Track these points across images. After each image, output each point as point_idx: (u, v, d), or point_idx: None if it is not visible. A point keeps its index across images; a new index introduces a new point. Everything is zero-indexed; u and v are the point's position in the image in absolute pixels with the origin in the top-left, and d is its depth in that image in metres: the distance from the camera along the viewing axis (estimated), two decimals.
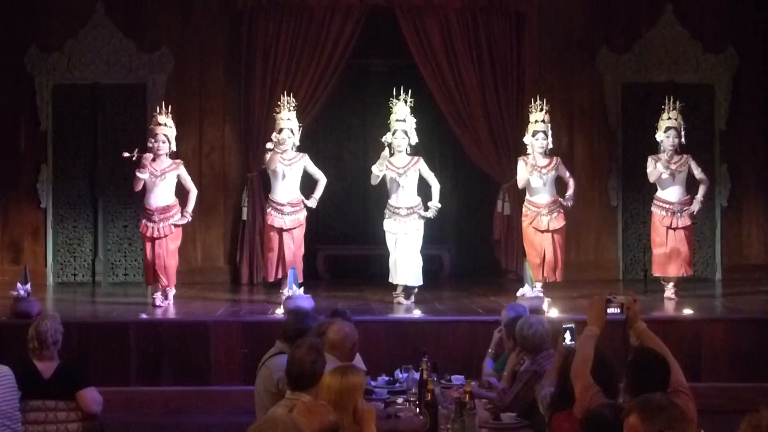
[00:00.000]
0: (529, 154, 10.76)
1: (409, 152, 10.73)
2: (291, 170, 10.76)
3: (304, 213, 10.85)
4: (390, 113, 10.82)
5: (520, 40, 13.10)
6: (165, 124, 10.63)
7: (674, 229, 10.89)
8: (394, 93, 10.84)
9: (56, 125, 13.11)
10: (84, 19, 13.12)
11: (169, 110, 10.83)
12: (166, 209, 10.54)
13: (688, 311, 9.91)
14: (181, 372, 9.27)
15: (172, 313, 10.29)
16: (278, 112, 10.91)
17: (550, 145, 10.79)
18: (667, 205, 10.90)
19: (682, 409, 3.76)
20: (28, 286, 9.65)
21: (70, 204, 13.19)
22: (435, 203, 10.64)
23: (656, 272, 11.21)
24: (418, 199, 10.68)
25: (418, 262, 10.64)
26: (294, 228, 10.76)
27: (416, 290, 10.76)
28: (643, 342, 4.81)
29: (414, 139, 10.72)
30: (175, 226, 10.59)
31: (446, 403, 5.76)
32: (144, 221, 10.61)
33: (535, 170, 10.62)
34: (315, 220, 11.87)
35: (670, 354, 4.69)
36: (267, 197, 11.22)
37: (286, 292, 10.06)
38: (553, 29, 13.42)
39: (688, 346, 9.12)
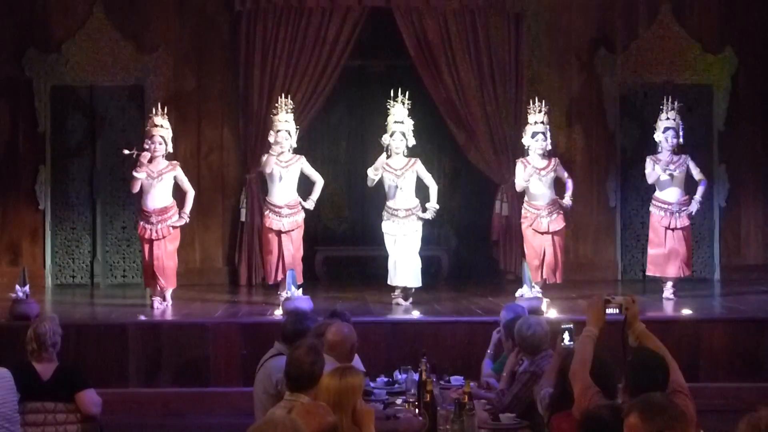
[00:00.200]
0: (528, 155, 10.77)
1: (406, 154, 10.73)
2: (288, 172, 10.76)
3: (302, 215, 10.85)
4: (388, 114, 10.83)
5: (518, 40, 13.10)
6: (161, 126, 10.64)
7: (673, 229, 10.90)
8: (392, 94, 10.85)
9: (54, 127, 13.11)
10: (82, 21, 13.11)
11: (165, 111, 10.84)
12: (164, 210, 10.55)
13: (686, 311, 9.92)
14: (179, 373, 9.27)
15: (170, 315, 10.28)
16: (275, 114, 10.90)
17: (549, 147, 10.79)
18: (666, 206, 10.91)
19: (682, 410, 3.77)
20: (27, 288, 9.66)
21: (68, 205, 13.18)
22: (433, 204, 10.64)
23: (651, 272, 11.22)
24: (417, 201, 10.69)
25: (417, 264, 10.65)
26: (292, 230, 10.76)
27: (413, 291, 10.76)
28: (642, 342, 4.81)
29: (411, 141, 10.73)
30: (173, 227, 10.59)
31: (445, 404, 5.75)
32: (142, 223, 10.61)
33: (534, 173, 10.62)
34: (313, 221, 11.87)
35: (669, 354, 4.69)
36: (264, 200, 11.22)
37: (285, 293, 10.06)
38: (551, 30, 13.42)
39: (687, 347, 9.13)
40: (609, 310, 4.87)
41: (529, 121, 10.82)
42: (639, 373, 4.45)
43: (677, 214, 10.89)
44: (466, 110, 12.93)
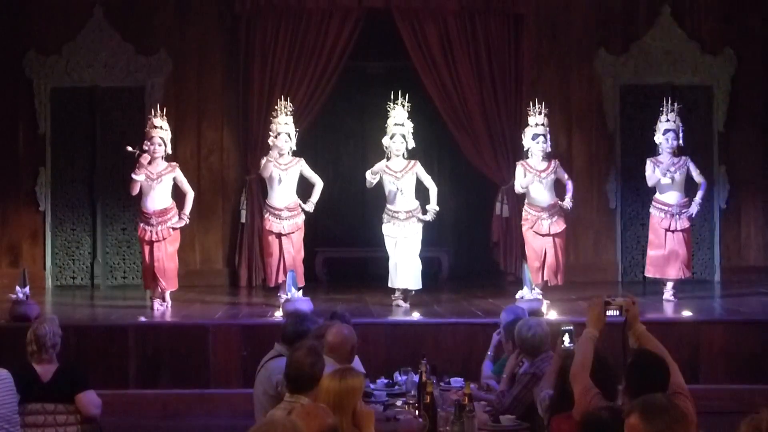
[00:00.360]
0: (527, 157, 10.77)
1: (406, 156, 10.74)
2: (287, 175, 10.75)
3: (302, 217, 10.84)
4: (388, 116, 10.83)
5: (517, 41, 13.10)
6: (161, 127, 10.63)
7: (673, 231, 10.90)
8: (392, 96, 10.85)
9: (55, 128, 13.11)
10: (82, 22, 13.12)
11: (164, 113, 10.85)
12: (164, 212, 10.54)
13: (686, 313, 9.92)
14: (180, 375, 9.27)
15: (170, 316, 10.28)
16: (275, 117, 10.90)
17: (549, 149, 10.79)
18: (666, 208, 10.91)
19: (683, 411, 3.77)
20: (27, 289, 9.66)
21: (68, 207, 13.19)
22: (433, 206, 10.64)
23: (651, 273, 11.22)
24: (417, 203, 10.69)
25: (417, 266, 10.65)
26: (292, 232, 10.75)
27: (414, 293, 10.76)
28: (642, 344, 4.81)
29: (411, 144, 10.74)
30: (173, 228, 10.59)
31: (445, 406, 5.75)
32: (142, 225, 10.60)
33: (535, 176, 10.62)
34: (313, 222, 11.86)
35: (669, 356, 4.69)
36: (264, 203, 11.21)
37: (285, 294, 10.06)
38: (550, 31, 13.43)
39: (687, 348, 9.14)
40: (609, 312, 4.88)
41: (530, 123, 10.81)
42: (639, 375, 4.45)
43: (677, 216, 10.88)
44: (465, 112, 12.93)
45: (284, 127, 10.77)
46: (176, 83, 13.18)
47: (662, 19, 13.38)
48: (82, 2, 13.13)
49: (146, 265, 10.65)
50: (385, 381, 7.00)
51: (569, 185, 10.75)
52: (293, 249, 10.75)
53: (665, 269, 10.97)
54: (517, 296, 10.12)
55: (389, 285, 10.72)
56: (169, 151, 10.74)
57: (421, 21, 12.88)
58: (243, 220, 12.90)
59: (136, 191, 10.58)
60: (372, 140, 12.42)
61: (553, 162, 10.79)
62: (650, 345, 4.79)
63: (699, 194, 10.94)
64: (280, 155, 10.71)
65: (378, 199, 11.35)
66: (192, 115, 13.22)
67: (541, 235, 10.68)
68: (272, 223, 10.77)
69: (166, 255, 10.55)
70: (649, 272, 11.22)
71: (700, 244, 13.28)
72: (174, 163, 10.82)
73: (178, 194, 10.75)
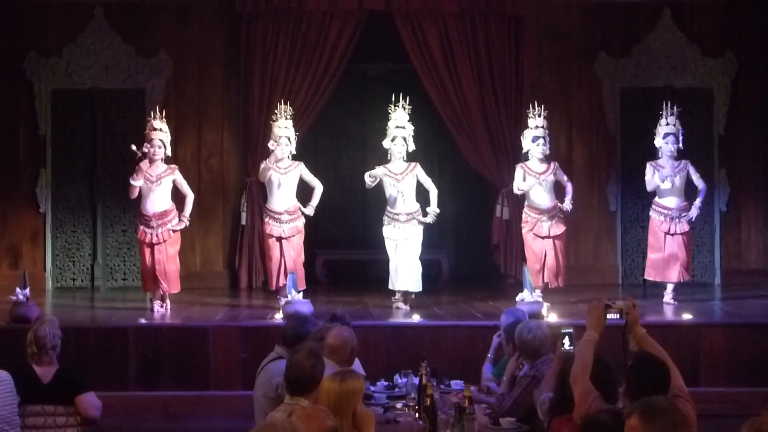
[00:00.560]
0: (527, 160, 10.78)
1: (406, 159, 10.74)
2: (287, 179, 10.74)
3: (302, 220, 10.83)
4: (389, 118, 10.83)
5: (518, 44, 13.10)
6: (160, 129, 10.62)
7: (672, 234, 10.90)
8: (393, 99, 10.85)
9: (55, 130, 13.12)
10: (83, 24, 13.12)
11: (165, 115, 10.85)
12: (164, 214, 10.54)
13: (687, 316, 9.91)
14: (180, 377, 9.26)
15: (171, 318, 10.28)
16: (275, 121, 10.90)
17: (548, 151, 10.80)
18: (666, 211, 10.91)
19: (683, 414, 3.77)
20: (27, 290, 9.65)
21: (69, 208, 13.19)
22: (434, 208, 10.65)
23: (651, 276, 11.23)
24: (417, 205, 10.69)
25: (418, 268, 10.65)
26: (293, 236, 10.74)
27: (414, 296, 10.76)
28: (643, 347, 4.81)
29: (412, 146, 10.74)
30: (173, 231, 10.59)
31: (445, 408, 5.76)
32: (142, 227, 10.59)
33: (535, 179, 10.62)
34: (314, 224, 11.86)
35: (669, 359, 4.69)
36: (264, 206, 11.21)
37: (285, 297, 10.06)
38: (551, 33, 13.43)
39: (687, 351, 9.12)
40: (610, 315, 4.88)
41: (529, 125, 10.82)
42: (640, 378, 4.45)
43: (677, 219, 10.89)
44: (466, 114, 12.93)
45: (284, 131, 10.77)
46: (177, 85, 13.19)
47: (663, 22, 13.38)
48: (82, 4, 13.13)
49: (146, 268, 10.64)
50: (386, 383, 7.01)
51: (569, 187, 10.76)
52: (294, 252, 10.74)
53: (665, 272, 10.97)
54: (518, 299, 10.11)
55: (389, 287, 10.72)
56: (169, 153, 10.74)
57: (422, 23, 12.88)
58: (243, 222, 12.90)
59: (134, 195, 10.59)
60: (372, 142, 12.42)
61: (552, 164, 10.79)
62: (650, 348, 4.79)
63: (699, 198, 10.94)
64: (280, 159, 10.71)
65: (378, 201, 11.35)
66: (192, 116, 13.23)
67: (541, 238, 10.69)
68: (272, 227, 10.76)
69: (167, 257, 10.54)
70: (650, 275, 11.23)
71: (700, 247, 13.29)
72: (174, 166, 10.82)
73: (178, 196, 10.75)
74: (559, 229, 10.72)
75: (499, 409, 6.14)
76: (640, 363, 4.58)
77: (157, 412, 9.03)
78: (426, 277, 11.05)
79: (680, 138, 10.94)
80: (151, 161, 10.54)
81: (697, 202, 10.92)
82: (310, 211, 10.83)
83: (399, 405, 6.28)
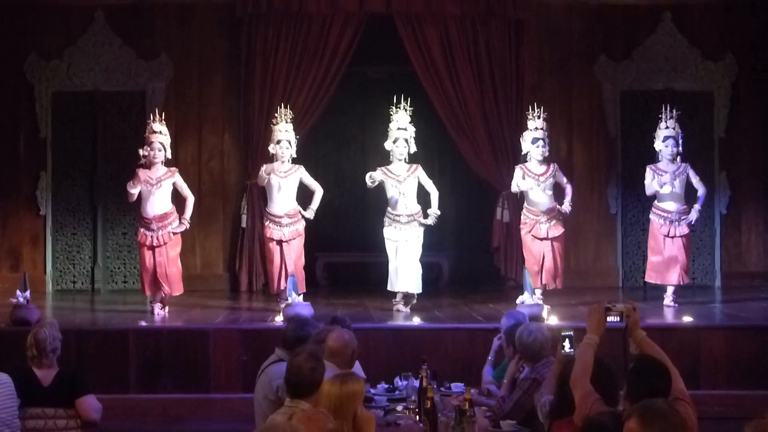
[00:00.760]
0: (526, 161, 10.78)
1: (407, 160, 10.75)
2: (287, 182, 10.74)
3: (303, 223, 10.82)
4: (389, 120, 10.84)
5: (519, 47, 13.10)
6: (160, 132, 10.62)
7: (672, 237, 10.91)
8: (394, 101, 10.86)
9: (56, 132, 13.12)
10: (83, 27, 13.13)
11: (165, 117, 10.86)
12: (164, 217, 10.54)
13: (687, 319, 9.91)
14: (180, 379, 9.25)
15: (171, 321, 10.27)
16: (275, 124, 10.90)
17: (547, 153, 10.80)
18: (666, 214, 10.92)
19: (683, 417, 3.76)
20: (27, 293, 9.65)
21: (69, 211, 13.19)
22: (434, 210, 10.66)
23: (652, 279, 11.23)
24: (418, 207, 10.69)
25: (418, 270, 10.66)
26: (293, 239, 10.74)
27: (415, 298, 10.76)
28: (643, 350, 4.81)
29: (413, 148, 10.75)
30: (174, 233, 10.59)
31: (446, 411, 5.75)
32: (142, 230, 10.58)
33: (534, 180, 10.62)
34: (314, 227, 11.85)
35: (670, 362, 4.69)
36: (264, 210, 11.21)
37: (286, 300, 10.06)
38: (551, 36, 13.44)
39: (688, 354, 9.11)
40: (610, 318, 4.87)
41: (529, 127, 10.83)
42: (641, 380, 4.45)
43: (677, 222, 10.89)
44: (466, 117, 12.94)
45: (284, 134, 10.77)
46: (177, 88, 13.19)
47: (663, 25, 13.39)
48: (83, 7, 13.14)
49: (145, 270, 10.62)
50: (386, 386, 7.01)
51: (568, 189, 10.76)
52: (294, 255, 10.74)
53: (665, 275, 10.97)
54: (518, 301, 10.12)
55: (388, 288, 10.73)
56: (169, 155, 10.74)
57: (423, 26, 12.88)
58: (243, 224, 12.90)
59: (133, 199, 10.60)
60: (372, 145, 12.43)
61: (552, 166, 10.80)
62: (651, 351, 4.79)
63: (698, 201, 10.95)
64: (281, 162, 10.72)
65: (378, 204, 11.36)
66: (193, 119, 13.24)
67: (539, 239, 10.69)
68: (273, 231, 10.76)
69: (168, 259, 10.54)
70: (651, 278, 11.23)
71: (700, 250, 13.29)
72: (174, 168, 10.82)
73: (178, 199, 10.75)
74: (557, 230, 10.72)
75: (500, 411, 6.13)
76: (641, 365, 4.58)
77: (158, 414, 9.02)
78: (426, 280, 11.05)
79: (680, 141, 10.94)
80: (152, 164, 10.54)
81: (697, 205, 10.92)
82: (310, 214, 10.82)
83: (399, 408, 6.28)
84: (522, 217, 10.91)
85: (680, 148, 10.95)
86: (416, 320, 9.98)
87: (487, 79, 12.96)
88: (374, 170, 10.77)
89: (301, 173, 10.83)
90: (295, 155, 10.89)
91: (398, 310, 10.58)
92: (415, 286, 10.64)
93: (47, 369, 6.35)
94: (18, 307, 9.53)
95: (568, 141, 13.41)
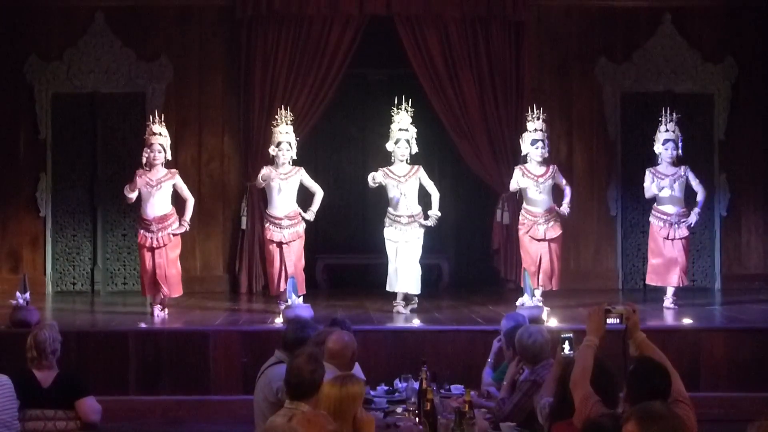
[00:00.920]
0: (526, 162, 10.79)
1: (409, 161, 10.76)
2: (287, 184, 10.74)
3: (303, 225, 10.82)
4: (390, 122, 10.85)
5: (519, 49, 13.11)
6: (160, 134, 10.63)
7: (671, 240, 10.91)
8: (396, 102, 10.86)
9: (55, 134, 13.12)
10: (83, 28, 13.14)
11: (165, 119, 10.86)
12: (164, 218, 10.54)
13: (687, 321, 9.91)
14: (180, 381, 9.25)
15: (171, 322, 10.27)
16: (275, 126, 10.90)
17: (547, 154, 10.81)
18: (665, 217, 10.92)
19: (681, 419, 3.76)
20: (27, 294, 9.64)
21: (69, 213, 13.19)
22: (435, 212, 10.67)
23: (652, 281, 11.24)
24: (419, 208, 10.70)
25: (417, 271, 10.67)
26: (293, 241, 10.74)
27: (416, 300, 10.76)
28: (643, 352, 4.80)
29: (415, 149, 10.76)
30: (174, 235, 10.59)
31: (445, 413, 5.75)
32: (142, 231, 10.59)
33: (533, 181, 10.63)
34: (314, 229, 11.86)
35: (670, 364, 4.69)
36: (264, 211, 11.21)
37: (286, 301, 10.06)
38: (552, 39, 13.44)
39: (688, 356, 9.12)
40: (610, 320, 4.87)
41: (528, 128, 10.83)
42: (641, 382, 4.44)
43: (676, 225, 10.90)
44: (467, 119, 12.94)
45: (284, 136, 10.77)
46: (177, 89, 13.20)
47: (663, 27, 13.39)
48: (83, 8, 13.15)
49: (145, 272, 10.63)
50: (386, 388, 7.00)
51: (567, 191, 10.77)
52: (294, 257, 10.74)
53: (666, 277, 10.98)
54: (518, 303, 10.12)
55: (387, 288, 10.74)
56: (169, 157, 10.74)
57: (423, 28, 12.89)
58: (243, 226, 12.90)
59: (131, 201, 10.62)
60: (373, 147, 12.43)
61: (551, 167, 10.81)
62: (650, 353, 4.78)
63: (698, 204, 10.94)
64: (282, 164, 10.72)
65: (378, 206, 11.36)
66: (193, 121, 13.24)
67: (536, 240, 10.70)
68: (273, 233, 10.76)
69: (168, 261, 10.54)
70: (651, 280, 11.23)
71: (700, 252, 13.29)
72: (174, 170, 10.82)
73: (178, 201, 10.75)
74: (555, 232, 10.72)
75: (500, 413, 6.13)
76: (641, 367, 4.57)
77: (157, 416, 9.02)
78: (426, 282, 11.05)
79: (680, 144, 10.95)
80: (152, 166, 10.54)
81: (697, 208, 10.92)
82: (310, 216, 10.82)
83: (399, 409, 6.27)
84: (520, 217, 10.92)
85: (680, 151, 10.96)
86: (416, 322, 9.98)
87: (487, 81, 12.96)
88: (375, 171, 10.78)
89: (302, 175, 10.83)
90: (295, 157, 10.89)
91: (398, 312, 10.58)
92: (414, 287, 10.65)
93: (47, 370, 6.35)
94: (18, 309, 9.52)
95: (568, 143, 13.42)
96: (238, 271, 12.98)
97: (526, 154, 10.81)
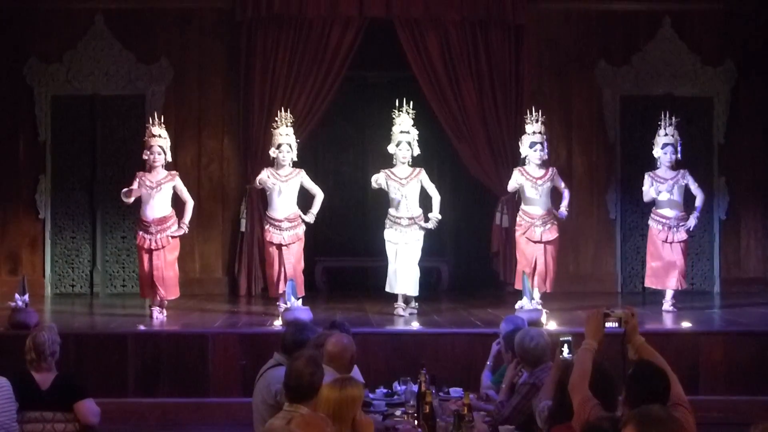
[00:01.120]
0: (525, 165, 10.79)
1: (410, 164, 10.76)
2: (287, 186, 10.73)
3: (303, 228, 10.81)
4: (390, 125, 10.85)
5: (518, 52, 13.12)
6: (159, 135, 10.63)
7: (670, 243, 10.91)
8: (396, 105, 10.86)
9: (55, 136, 13.13)
10: (83, 30, 13.14)
11: (165, 121, 10.86)
12: (163, 220, 10.54)
13: (686, 324, 9.91)
14: (179, 383, 9.24)
15: (169, 325, 10.27)
16: (275, 128, 10.90)
17: (546, 156, 10.81)
18: (664, 220, 10.92)
19: (680, 423, 3.76)
20: (26, 296, 9.63)
21: (68, 215, 13.19)
22: (435, 214, 10.67)
23: (651, 284, 11.25)
24: (420, 210, 10.71)
25: (416, 273, 10.67)
26: (292, 243, 10.74)
27: (414, 300, 10.76)
28: (641, 356, 4.80)
29: (416, 151, 10.76)
30: (172, 237, 10.59)
31: (444, 416, 5.75)
32: (141, 233, 10.59)
33: (531, 183, 10.63)
34: (313, 231, 11.86)
35: (669, 367, 4.68)
36: (264, 213, 11.20)
37: (285, 304, 10.06)
38: (551, 42, 13.45)
39: (687, 359, 9.11)
40: (608, 324, 4.87)
41: (527, 131, 10.83)
42: (640, 386, 4.44)
43: (675, 228, 10.90)
44: (466, 122, 12.95)
45: (285, 138, 10.76)
46: (177, 92, 13.20)
47: (663, 31, 13.41)
48: (83, 10, 13.16)
49: (143, 274, 10.63)
50: (385, 391, 7.00)
51: (566, 194, 10.76)
52: (293, 259, 10.72)
53: (665, 280, 10.98)
54: (517, 306, 10.12)
55: (386, 289, 10.74)
56: (169, 159, 10.74)
57: (422, 31, 12.90)
58: (243, 228, 12.90)
59: (128, 204, 10.63)
60: (372, 150, 12.43)
61: (550, 170, 10.80)
62: (649, 357, 4.78)
63: (697, 208, 10.95)
64: (282, 166, 10.72)
65: (378, 208, 11.36)
66: (192, 123, 13.24)
67: (533, 242, 10.69)
68: (272, 235, 10.75)
69: (166, 263, 10.54)
70: (651, 283, 11.24)
71: (699, 255, 13.30)
72: (174, 172, 10.82)
73: (177, 203, 10.75)
74: (552, 234, 10.72)
75: (498, 416, 6.13)
76: (640, 371, 4.57)
77: (156, 418, 9.01)
78: (425, 285, 11.06)
79: (679, 148, 10.94)
80: (151, 168, 10.55)
81: (696, 212, 10.92)
82: (310, 218, 10.82)
83: (398, 412, 6.27)
84: (518, 218, 10.92)
85: (679, 155, 10.96)
86: (415, 325, 9.98)
87: (487, 84, 12.97)
88: (377, 173, 10.78)
89: (302, 177, 10.82)
90: (295, 158, 10.89)
91: (398, 314, 10.58)
92: (412, 288, 10.66)
93: (46, 373, 6.34)
94: (17, 311, 9.52)
95: (567, 146, 13.42)
96: (238, 274, 12.98)
97: (525, 157, 10.81)
